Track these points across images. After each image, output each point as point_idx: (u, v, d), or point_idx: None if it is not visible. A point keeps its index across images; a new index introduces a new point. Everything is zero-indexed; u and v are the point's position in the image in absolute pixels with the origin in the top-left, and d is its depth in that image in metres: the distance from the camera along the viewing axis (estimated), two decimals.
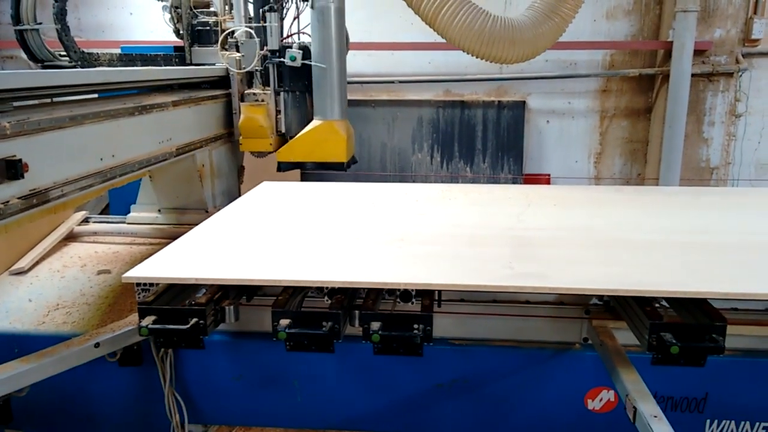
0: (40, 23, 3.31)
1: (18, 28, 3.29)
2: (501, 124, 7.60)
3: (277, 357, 2.69)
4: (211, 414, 2.89)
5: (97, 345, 2.43)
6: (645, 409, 1.97)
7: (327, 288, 2.33)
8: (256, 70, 4.10)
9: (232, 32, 4.11)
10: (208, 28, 4.30)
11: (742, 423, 2.67)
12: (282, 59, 4.01)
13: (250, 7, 4.15)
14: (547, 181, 7.78)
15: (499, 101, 7.58)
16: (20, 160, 2.12)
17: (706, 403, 2.66)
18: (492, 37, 3.84)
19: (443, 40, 3.97)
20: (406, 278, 2.23)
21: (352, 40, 4.46)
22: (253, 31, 4.03)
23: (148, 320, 2.13)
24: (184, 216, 3.74)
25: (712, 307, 2.14)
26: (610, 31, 7.38)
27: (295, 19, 4.24)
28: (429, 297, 2.30)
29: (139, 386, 2.82)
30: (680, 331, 2.02)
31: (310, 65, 4.02)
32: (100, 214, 5.78)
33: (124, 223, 3.84)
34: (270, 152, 4.19)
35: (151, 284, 2.41)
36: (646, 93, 7.49)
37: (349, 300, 2.30)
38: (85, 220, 3.86)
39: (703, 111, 7.35)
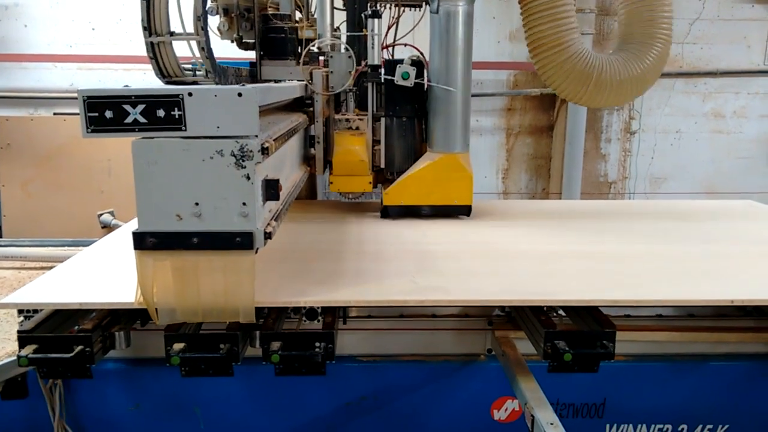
0: (172, 33, 2.76)
1: (151, 40, 2.73)
2: None
3: (176, 383, 2.57)
4: None
5: None
6: (542, 416, 2.01)
7: None
8: (349, 91, 3.39)
9: (318, 44, 3.39)
10: (283, 36, 3.40)
11: (640, 426, 2.77)
12: (389, 77, 3.25)
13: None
14: None
15: None
16: None
17: (605, 408, 2.74)
18: (599, 83, 3.36)
19: None
20: (304, 296, 2.19)
21: None
22: (345, 44, 3.30)
23: (28, 350, 1.99)
24: None
25: (602, 315, 2.22)
26: (513, 52, 7.67)
27: (389, 28, 3.48)
28: (331, 314, 2.27)
29: (26, 420, 2.62)
30: (572, 338, 2.09)
31: (422, 84, 3.28)
32: None
33: (13, 246, 3.59)
34: (363, 193, 3.43)
35: (36, 311, 2.25)
36: (548, 111, 7.82)
37: None
38: None
39: (600, 128, 7.76)
